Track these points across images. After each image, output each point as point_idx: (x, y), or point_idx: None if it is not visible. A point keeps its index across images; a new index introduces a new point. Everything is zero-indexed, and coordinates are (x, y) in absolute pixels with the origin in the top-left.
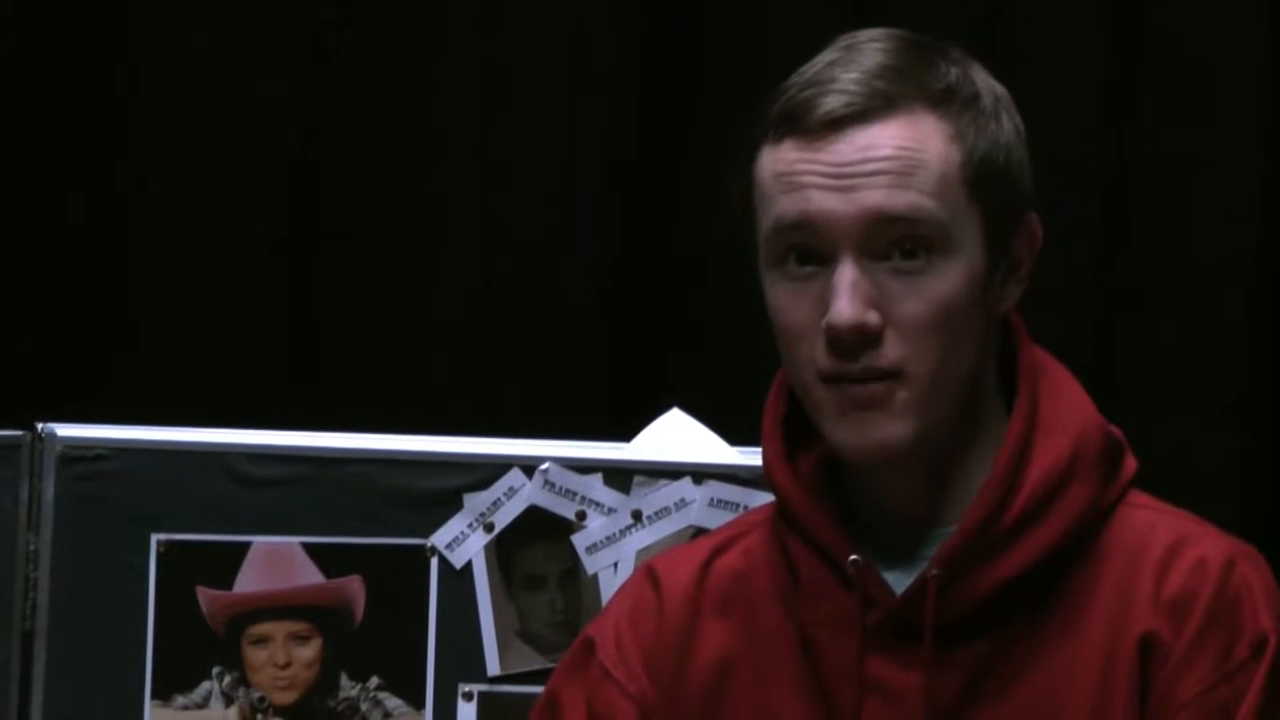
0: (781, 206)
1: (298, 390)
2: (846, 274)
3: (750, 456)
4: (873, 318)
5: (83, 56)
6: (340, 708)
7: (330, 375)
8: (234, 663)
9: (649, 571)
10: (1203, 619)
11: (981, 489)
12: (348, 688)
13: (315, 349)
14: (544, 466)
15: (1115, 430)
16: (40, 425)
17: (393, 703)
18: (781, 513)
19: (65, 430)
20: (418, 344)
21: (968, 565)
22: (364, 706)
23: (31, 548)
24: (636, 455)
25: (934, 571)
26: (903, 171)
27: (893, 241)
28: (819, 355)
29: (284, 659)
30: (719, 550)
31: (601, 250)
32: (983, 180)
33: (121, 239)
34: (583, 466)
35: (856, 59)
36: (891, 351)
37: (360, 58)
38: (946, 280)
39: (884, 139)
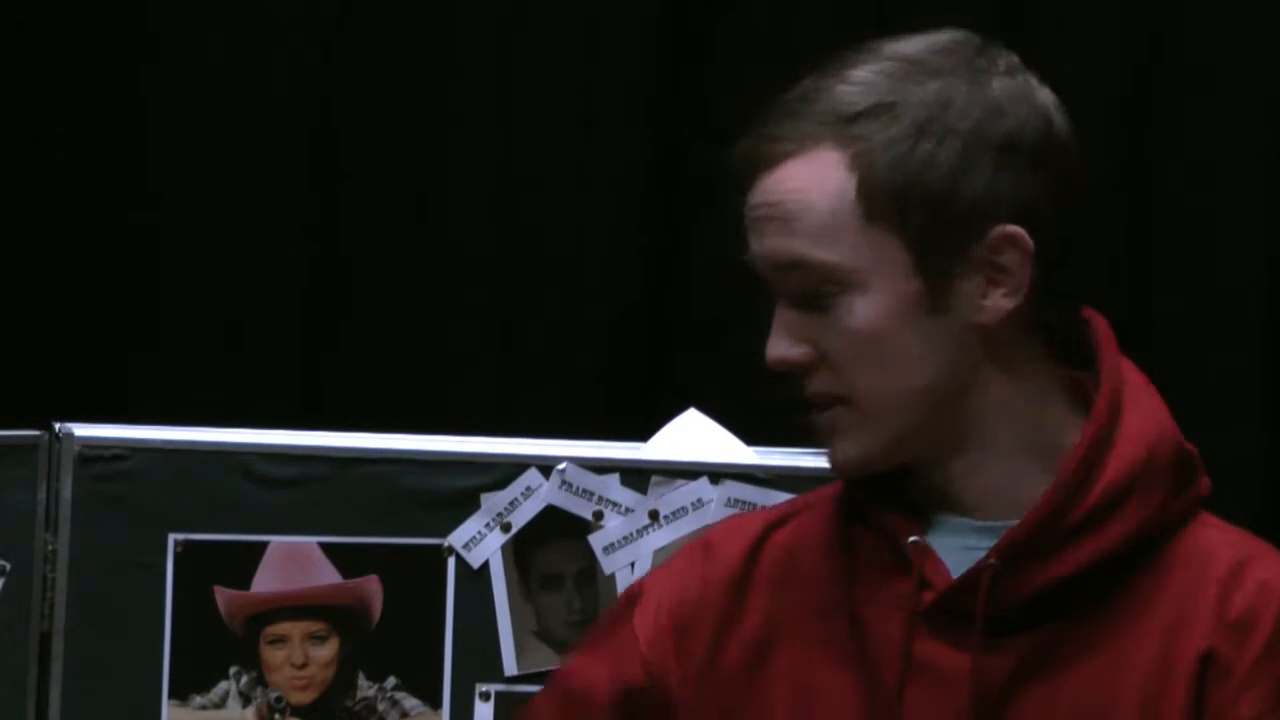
0: None
1: (315, 389)
2: (777, 313)
3: (767, 456)
4: (797, 353)
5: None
6: (357, 708)
7: (347, 375)
8: (251, 663)
9: (704, 541)
10: (1266, 641)
11: (1052, 486)
12: (365, 687)
13: (333, 350)
14: (561, 466)
15: (1190, 446)
16: (58, 425)
17: (410, 703)
18: (846, 495)
19: (83, 430)
20: (435, 344)
21: (1026, 558)
22: (381, 706)
23: (50, 548)
24: (654, 455)
25: (991, 560)
26: (786, 218)
27: (799, 283)
28: None
29: (301, 659)
30: (774, 525)
31: (619, 251)
32: (892, 203)
33: (138, 239)
34: (600, 466)
35: (802, 89)
36: (823, 382)
37: (375, 51)
38: (859, 313)
39: (776, 184)
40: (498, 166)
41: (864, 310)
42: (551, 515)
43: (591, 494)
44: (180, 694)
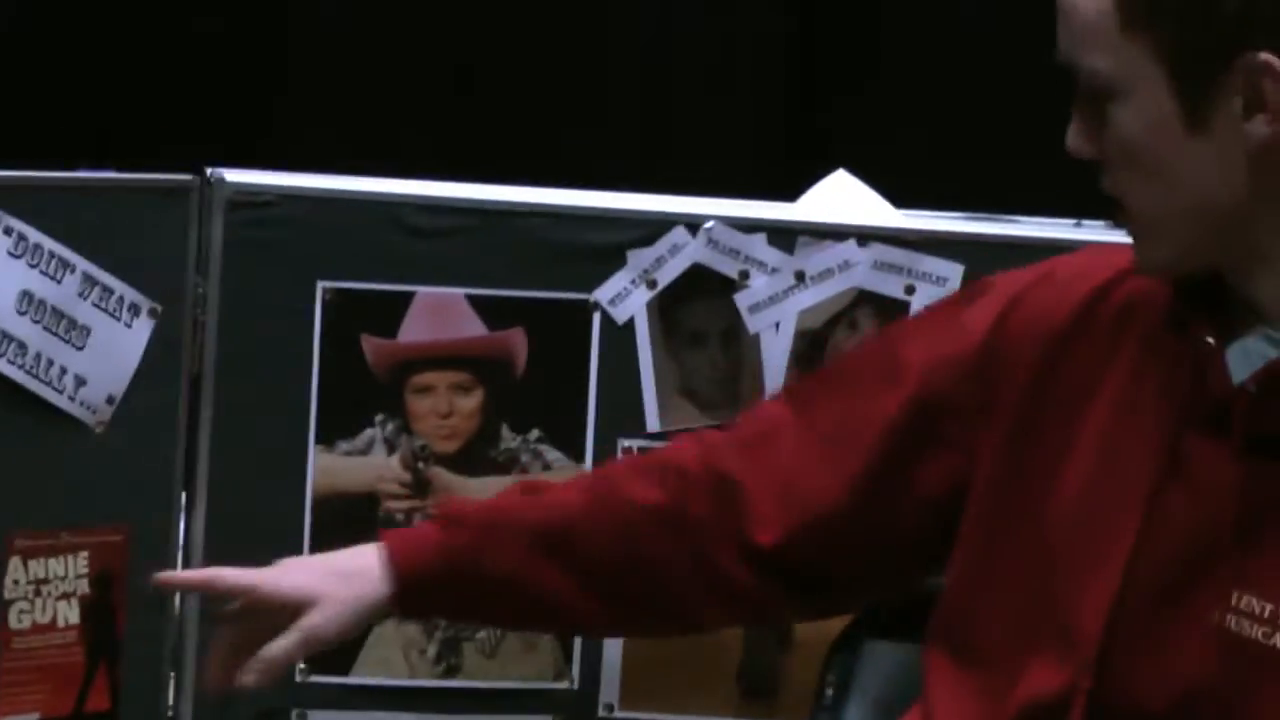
0: None
1: (462, 141)
2: (1074, 106)
3: (916, 219)
4: (1085, 148)
5: None
6: (500, 458)
7: (495, 128)
8: (397, 411)
9: (1050, 269)
10: None
11: None
12: (508, 439)
13: (483, 101)
14: (708, 224)
15: None
16: (209, 170)
17: (553, 455)
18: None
19: (234, 175)
20: (585, 100)
21: None
22: (524, 458)
23: (199, 290)
24: (801, 215)
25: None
26: (1065, 18)
27: (1081, 84)
28: None
29: (446, 408)
30: (1119, 279)
31: (771, 7)
32: (1144, 16)
33: None
34: (747, 225)
35: None
36: (1108, 183)
37: None
38: (1122, 123)
39: None
40: None
41: (1125, 120)
42: (697, 273)
43: (738, 253)
44: (327, 440)
